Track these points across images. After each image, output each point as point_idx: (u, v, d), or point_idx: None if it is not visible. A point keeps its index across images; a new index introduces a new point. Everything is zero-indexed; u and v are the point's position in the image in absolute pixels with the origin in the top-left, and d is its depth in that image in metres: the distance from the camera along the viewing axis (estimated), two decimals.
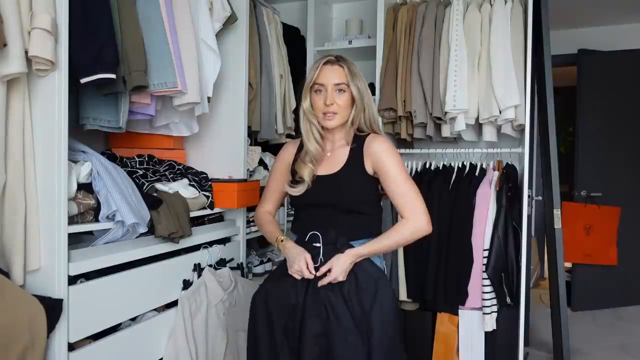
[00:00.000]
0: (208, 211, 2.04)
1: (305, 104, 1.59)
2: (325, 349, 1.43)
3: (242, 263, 2.26)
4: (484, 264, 2.32)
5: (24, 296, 1.27)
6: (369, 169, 1.56)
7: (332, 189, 1.55)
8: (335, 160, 1.59)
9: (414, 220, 1.51)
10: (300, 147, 1.65)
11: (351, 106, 1.58)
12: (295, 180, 1.61)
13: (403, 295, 2.43)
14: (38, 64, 1.30)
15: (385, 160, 1.53)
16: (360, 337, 1.43)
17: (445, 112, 2.38)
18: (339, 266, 1.46)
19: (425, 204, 1.54)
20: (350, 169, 1.56)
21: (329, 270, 1.47)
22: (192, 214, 1.90)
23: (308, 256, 1.49)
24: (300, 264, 1.48)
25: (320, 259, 1.49)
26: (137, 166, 1.92)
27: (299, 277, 1.49)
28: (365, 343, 1.43)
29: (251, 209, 2.49)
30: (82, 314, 1.42)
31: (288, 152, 1.69)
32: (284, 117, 2.73)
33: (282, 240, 1.59)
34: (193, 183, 1.98)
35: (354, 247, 1.51)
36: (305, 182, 1.56)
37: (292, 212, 2.68)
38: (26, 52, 1.27)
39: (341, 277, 1.46)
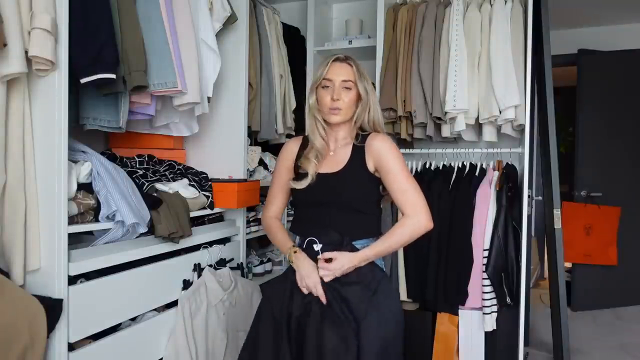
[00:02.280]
0: (208, 211, 2.04)
1: (312, 100, 1.61)
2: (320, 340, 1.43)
3: (242, 263, 2.26)
4: (484, 264, 2.32)
5: (24, 296, 1.27)
6: (370, 167, 1.56)
7: (335, 187, 1.55)
8: (337, 158, 1.60)
9: (413, 217, 1.52)
10: (303, 144, 1.65)
11: (356, 104, 1.59)
12: (298, 175, 1.61)
13: (403, 295, 2.43)
14: (38, 64, 1.30)
15: (388, 158, 1.54)
16: (354, 334, 1.42)
17: (445, 112, 2.38)
18: (343, 261, 1.46)
19: (426, 201, 1.55)
20: (353, 167, 1.57)
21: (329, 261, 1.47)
22: (192, 214, 1.90)
23: (319, 280, 1.48)
24: (309, 285, 1.48)
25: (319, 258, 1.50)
26: (137, 166, 1.92)
27: (306, 292, 1.49)
28: (356, 339, 1.42)
29: (251, 209, 2.50)
30: (82, 314, 1.42)
31: (291, 149, 1.69)
32: (284, 117, 2.73)
33: (295, 252, 1.56)
34: (193, 183, 1.98)
35: (357, 248, 1.51)
36: (309, 176, 1.56)
37: (292, 212, 2.68)
38: (26, 52, 1.27)
39: (338, 273, 1.46)
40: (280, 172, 1.70)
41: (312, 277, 1.48)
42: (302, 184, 1.57)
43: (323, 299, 1.46)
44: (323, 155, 1.60)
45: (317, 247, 1.51)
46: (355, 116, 1.60)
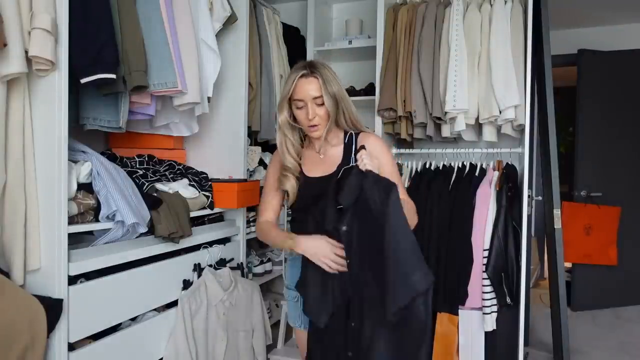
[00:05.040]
0: (208, 211, 2.04)
1: (281, 116, 1.58)
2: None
3: (242, 263, 2.26)
4: (484, 264, 2.32)
5: (24, 296, 1.27)
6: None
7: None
8: (330, 161, 1.61)
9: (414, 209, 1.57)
10: None
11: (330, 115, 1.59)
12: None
13: None
14: (38, 64, 1.30)
15: (381, 156, 1.57)
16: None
17: (445, 112, 2.38)
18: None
19: None
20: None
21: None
22: (192, 214, 1.90)
23: (329, 239, 1.44)
24: (326, 250, 1.42)
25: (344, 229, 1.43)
26: (137, 166, 1.92)
27: (330, 269, 1.43)
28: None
29: (251, 209, 2.50)
30: (82, 314, 1.42)
31: (278, 162, 1.67)
32: None
33: (292, 239, 1.51)
34: (193, 183, 1.98)
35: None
36: (291, 195, 1.58)
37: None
38: (26, 52, 1.27)
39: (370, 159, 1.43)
40: (270, 182, 1.68)
41: (322, 247, 1.44)
42: (289, 202, 1.61)
43: (344, 268, 1.41)
44: (295, 173, 1.60)
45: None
46: (329, 123, 1.58)
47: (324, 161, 1.62)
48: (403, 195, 1.54)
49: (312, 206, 1.57)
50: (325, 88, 1.53)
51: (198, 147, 2.30)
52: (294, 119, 1.59)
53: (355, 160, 1.47)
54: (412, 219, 1.53)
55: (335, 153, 1.62)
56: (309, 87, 1.53)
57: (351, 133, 1.63)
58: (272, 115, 2.60)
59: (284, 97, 1.57)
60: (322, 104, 1.55)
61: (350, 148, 1.59)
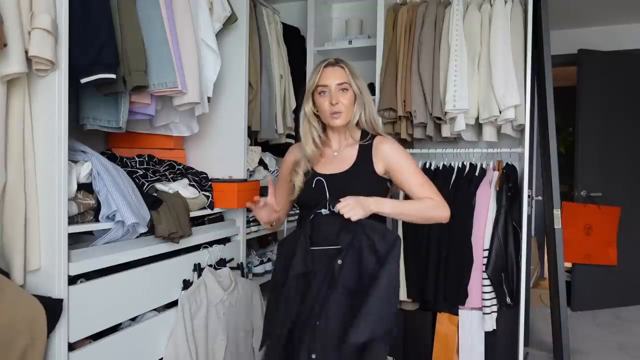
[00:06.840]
0: (208, 211, 2.04)
1: (307, 107, 1.62)
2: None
3: (242, 263, 2.26)
4: (484, 264, 2.32)
5: (24, 296, 1.27)
6: (379, 169, 1.59)
7: (341, 187, 1.55)
8: (343, 159, 1.61)
9: (441, 202, 1.58)
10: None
11: (354, 104, 1.60)
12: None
13: (403, 295, 2.43)
14: (38, 64, 1.30)
15: (400, 160, 1.59)
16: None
17: (445, 112, 2.39)
18: (355, 197, 1.45)
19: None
20: (360, 167, 1.58)
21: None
22: (192, 214, 1.90)
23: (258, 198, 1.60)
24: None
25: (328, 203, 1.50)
26: (137, 166, 1.92)
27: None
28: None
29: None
30: (82, 314, 1.42)
31: (294, 155, 1.70)
32: (284, 117, 2.73)
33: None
34: (193, 183, 1.98)
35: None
36: (296, 187, 1.60)
37: (293, 212, 2.66)
38: (26, 52, 1.27)
39: (359, 207, 1.43)
40: (282, 180, 1.74)
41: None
42: (293, 195, 1.63)
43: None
44: (314, 162, 1.62)
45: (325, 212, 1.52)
46: (352, 115, 1.61)
47: (337, 159, 1.62)
48: (433, 195, 1.58)
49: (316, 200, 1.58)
50: (350, 76, 1.58)
51: (198, 147, 2.30)
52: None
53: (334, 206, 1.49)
54: (443, 209, 1.58)
55: (349, 152, 1.62)
56: (335, 74, 1.58)
57: (368, 134, 1.64)
58: (272, 115, 2.60)
59: (310, 88, 1.61)
60: (347, 91, 1.58)
61: (366, 148, 1.60)
